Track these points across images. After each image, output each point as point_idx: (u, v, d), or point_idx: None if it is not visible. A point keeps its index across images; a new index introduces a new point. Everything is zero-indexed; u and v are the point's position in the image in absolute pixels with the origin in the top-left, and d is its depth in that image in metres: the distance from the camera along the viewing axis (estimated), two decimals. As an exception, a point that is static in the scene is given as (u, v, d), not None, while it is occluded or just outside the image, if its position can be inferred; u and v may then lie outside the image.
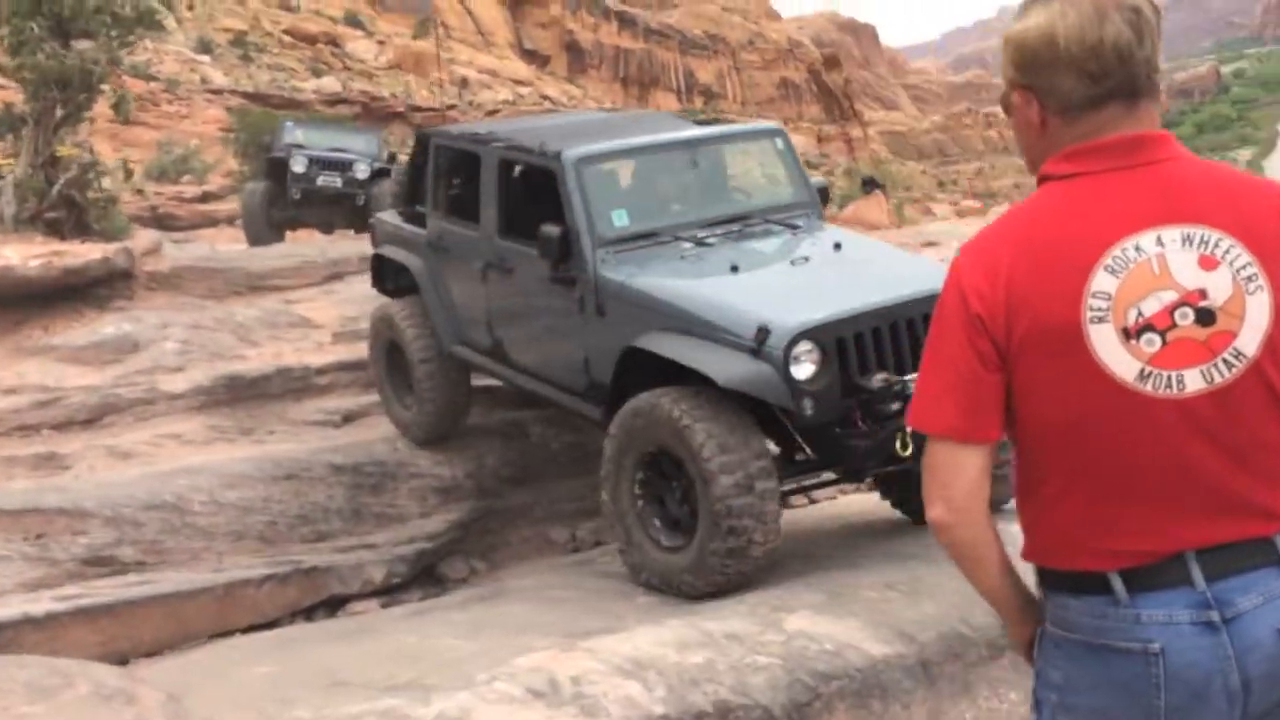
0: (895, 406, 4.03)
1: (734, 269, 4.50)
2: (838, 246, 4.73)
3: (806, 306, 4.12)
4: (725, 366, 4.02)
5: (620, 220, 4.76)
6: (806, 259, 4.67)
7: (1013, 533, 1.67)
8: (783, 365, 3.94)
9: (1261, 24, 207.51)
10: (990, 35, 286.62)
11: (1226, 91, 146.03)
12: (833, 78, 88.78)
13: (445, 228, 5.72)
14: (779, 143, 5.33)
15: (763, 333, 3.99)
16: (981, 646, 3.65)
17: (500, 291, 5.29)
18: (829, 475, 4.60)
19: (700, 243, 4.77)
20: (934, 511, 1.60)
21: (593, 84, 74.75)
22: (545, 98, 53.25)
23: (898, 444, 4.00)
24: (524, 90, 55.82)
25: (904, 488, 4.82)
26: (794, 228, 5.01)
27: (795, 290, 4.35)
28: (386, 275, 6.35)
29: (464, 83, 53.36)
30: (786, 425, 4.18)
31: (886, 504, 5.08)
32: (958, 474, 1.57)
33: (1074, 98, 1.54)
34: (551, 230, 4.64)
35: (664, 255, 4.68)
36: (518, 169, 5.39)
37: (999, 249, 1.55)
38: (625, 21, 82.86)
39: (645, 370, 4.33)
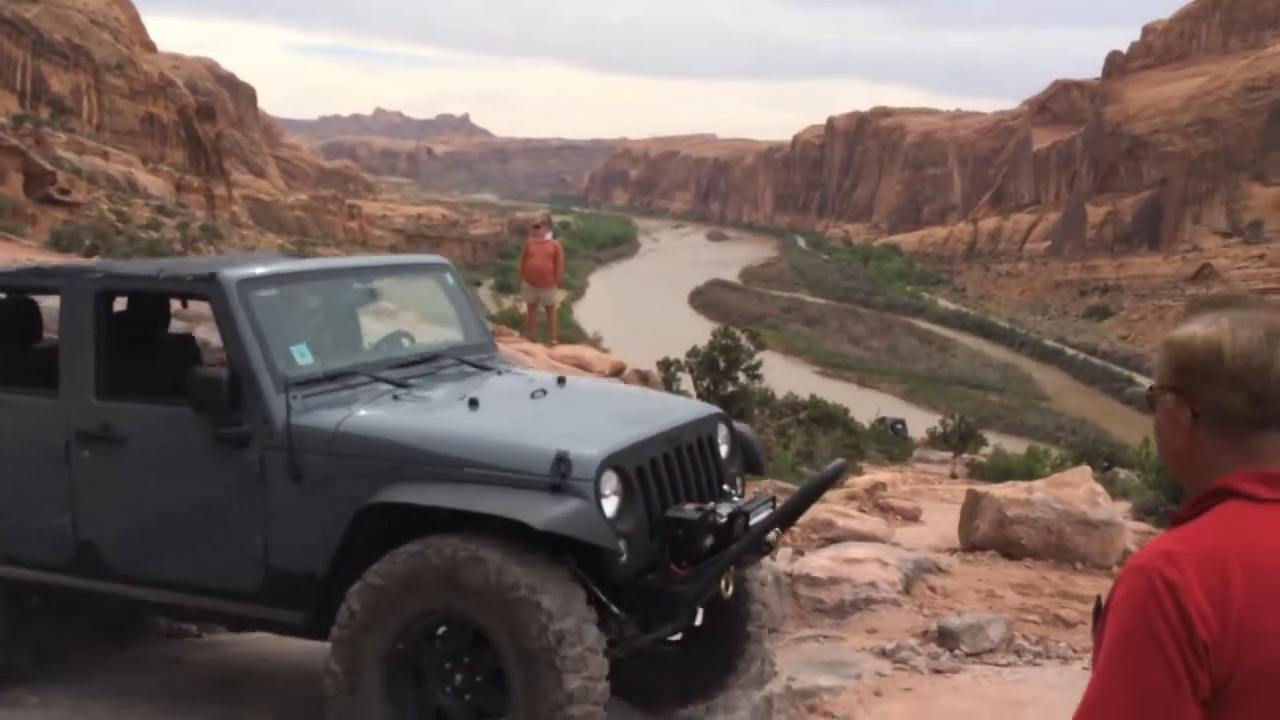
0: (709, 541, 3.56)
1: (473, 404, 3.71)
2: (561, 381, 4.20)
3: (593, 435, 3.52)
4: (531, 509, 3.23)
5: (303, 357, 3.77)
6: (544, 392, 4.01)
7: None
8: (595, 500, 3.31)
9: (588, 189, 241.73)
10: (364, 132, 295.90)
11: (555, 237, 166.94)
12: (205, 129, 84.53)
13: None
14: (449, 278, 4.70)
15: (562, 464, 3.29)
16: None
17: (100, 473, 4.00)
18: None
19: (400, 384, 3.92)
20: None
21: (-88, 57, 62.65)
22: None
23: (722, 584, 3.52)
24: None
25: (651, 667, 4.06)
26: (487, 369, 4.35)
27: (562, 422, 3.68)
28: None
29: None
30: (585, 581, 3.39)
31: None
32: None
33: (1233, 414, 1.47)
34: (214, 373, 3.60)
35: (367, 398, 3.77)
36: (122, 307, 4.21)
37: (1228, 569, 1.35)
38: (-31, 0, 71.28)
39: (358, 547, 3.48)
